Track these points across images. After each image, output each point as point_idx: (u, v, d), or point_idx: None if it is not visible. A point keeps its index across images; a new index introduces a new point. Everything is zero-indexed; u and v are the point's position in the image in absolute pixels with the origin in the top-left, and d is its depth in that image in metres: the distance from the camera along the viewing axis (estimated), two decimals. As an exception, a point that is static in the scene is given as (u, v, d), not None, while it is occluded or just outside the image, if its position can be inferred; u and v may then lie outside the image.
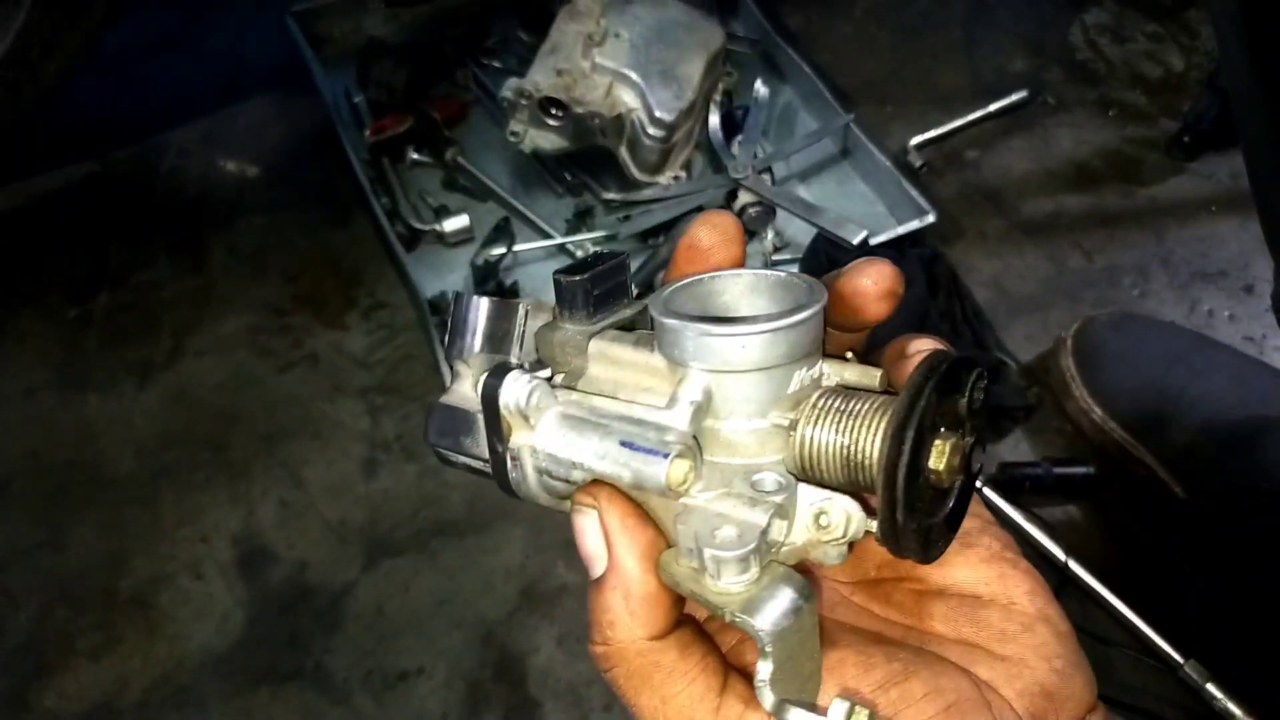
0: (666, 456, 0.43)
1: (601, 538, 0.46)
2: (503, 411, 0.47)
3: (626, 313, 0.51)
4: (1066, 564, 1.37)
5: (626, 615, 0.45)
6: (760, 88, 1.88)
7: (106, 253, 1.76)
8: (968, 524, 0.51)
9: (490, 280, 1.64)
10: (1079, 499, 1.47)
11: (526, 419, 0.47)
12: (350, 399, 1.58)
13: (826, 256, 1.59)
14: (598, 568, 0.46)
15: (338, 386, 1.60)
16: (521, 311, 0.51)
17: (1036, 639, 0.48)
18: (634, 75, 1.64)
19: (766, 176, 1.75)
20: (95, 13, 1.69)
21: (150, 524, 1.47)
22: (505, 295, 1.63)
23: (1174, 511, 1.42)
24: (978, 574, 0.50)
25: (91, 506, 1.49)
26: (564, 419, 0.47)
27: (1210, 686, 1.27)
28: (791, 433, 0.45)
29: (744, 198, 1.70)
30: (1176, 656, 1.30)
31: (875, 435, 0.43)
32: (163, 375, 1.61)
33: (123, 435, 1.56)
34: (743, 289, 0.50)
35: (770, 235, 1.71)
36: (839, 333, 0.53)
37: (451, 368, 0.51)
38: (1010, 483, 1.45)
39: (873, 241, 1.60)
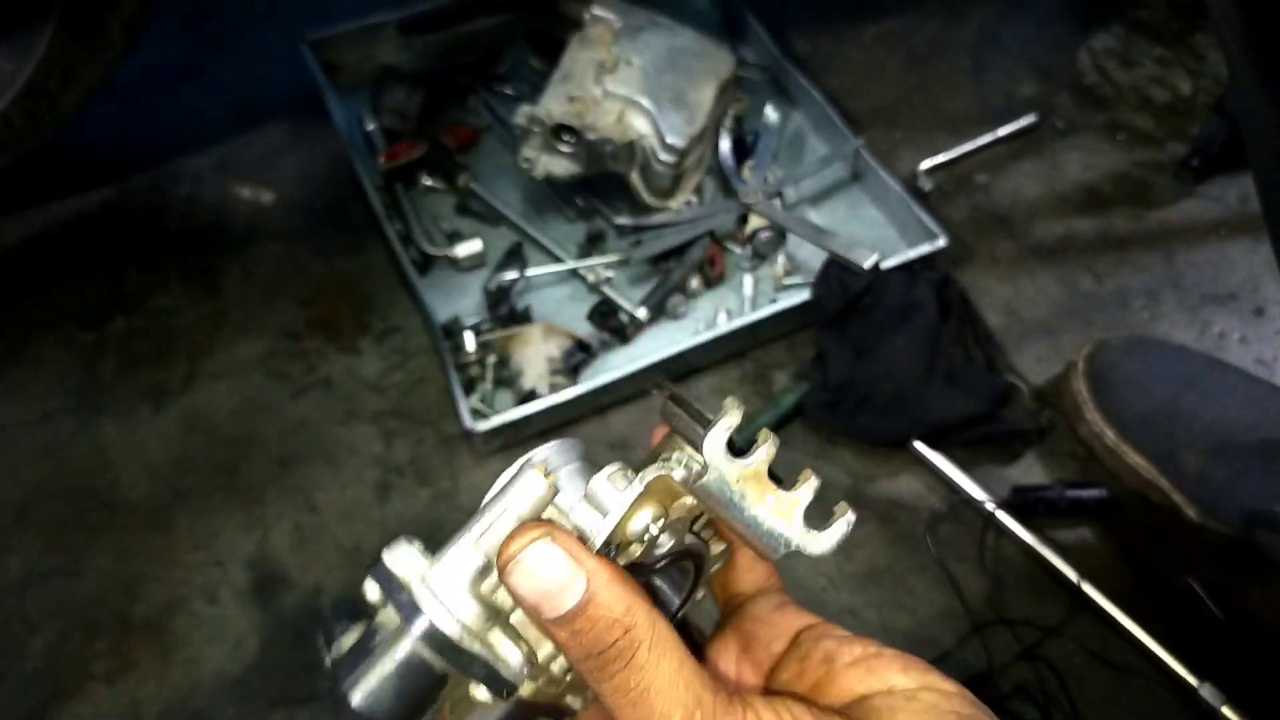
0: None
1: (569, 558, 0.47)
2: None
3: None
4: (1080, 586, 1.37)
5: (626, 602, 0.47)
6: (770, 113, 1.90)
7: (122, 279, 1.77)
8: (859, 641, 0.56)
9: (503, 304, 1.65)
10: (1092, 521, 1.47)
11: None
12: (364, 423, 1.59)
13: (838, 281, 1.59)
14: (574, 594, 0.47)
15: (351, 411, 1.60)
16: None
17: (954, 704, 0.50)
18: (645, 102, 1.65)
19: (777, 201, 1.76)
20: (114, 43, 1.71)
21: (165, 548, 1.48)
22: (518, 319, 1.64)
23: (1188, 534, 1.42)
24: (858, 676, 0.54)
25: (107, 531, 1.50)
26: None
27: (1226, 710, 1.27)
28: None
29: (754, 222, 1.72)
30: (1191, 680, 1.30)
31: None
32: (178, 400, 1.62)
33: (138, 460, 1.56)
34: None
35: (781, 260, 1.72)
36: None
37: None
38: (1023, 505, 1.45)
39: (884, 265, 1.60)
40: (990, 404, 1.51)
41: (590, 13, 1.75)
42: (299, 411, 1.61)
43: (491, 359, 1.59)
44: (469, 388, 1.57)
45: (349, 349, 1.67)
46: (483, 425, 1.49)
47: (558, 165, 1.69)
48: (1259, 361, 1.64)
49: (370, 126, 1.87)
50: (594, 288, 1.70)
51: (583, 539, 0.49)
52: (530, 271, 1.70)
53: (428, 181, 1.83)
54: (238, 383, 1.64)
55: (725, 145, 1.81)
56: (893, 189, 1.77)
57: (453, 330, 1.61)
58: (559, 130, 1.66)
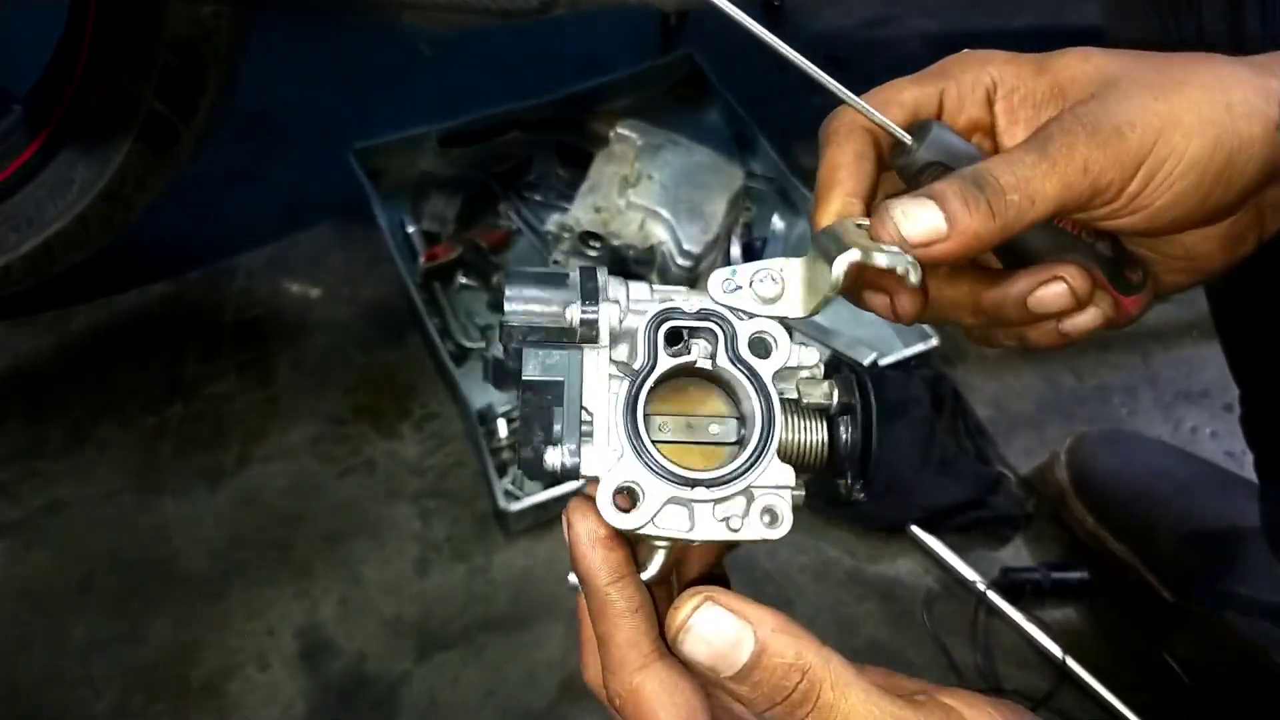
0: None
1: (733, 615, 0.49)
2: None
3: None
4: (1064, 662, 1.49)
5: (795, 646, 0.49)
6: (777, 221, 2.07)
7: (180, 367, 1.92)
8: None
9: (532, 395, 1.79)
10: (1075, 601, 1.60)
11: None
12: (404, 503, 1.72)
13: (840, 376, 1.74)
14: (746, 648, 0.48)
15: (393, 491, 1.74)
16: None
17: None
18: (664, 212, 1.83)
19: (784, 302, 1.92)
20: (184, 152, 1.88)
21: (220, 618, 1.60)
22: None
23: (1163, 613, 1.54)
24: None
25: (166, 601, 1.62)
26: None
27: (1200, 778, 1.38)
28: None
29: (764, 322, 1.87)
30: (1168, 749, 1.41)
31: None
32: (232, 480, 1.76)
33: (195, 536, 1.69)
34: None
35: (788, 356, 1.87)
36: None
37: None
38: (1012, 586, 1.58)
39: (881, 363, 1.76)
40: (981, 491, 1.65)
41: (615, 131, 1.93)
42: (344, 491, 1.74)
43: (522, 445, 1.72)
44: (501, 471, 1.71)
45: (390, 434, 1.82)
46: (514, 506, 1.62)
47: (584, 268, 1.85)
48: (1228, 454, 1.78)
49: (411, 229, 2.04)
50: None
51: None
52: (558, 364, 1.84)
53: (464, 280, 1.99)
54: (288, 464, 1.78)
55: (736, 250, 1.97)
56: (890, 292, 1.92)
57: (486, 417, 1.75)
58: (586, 236, 1.83)
